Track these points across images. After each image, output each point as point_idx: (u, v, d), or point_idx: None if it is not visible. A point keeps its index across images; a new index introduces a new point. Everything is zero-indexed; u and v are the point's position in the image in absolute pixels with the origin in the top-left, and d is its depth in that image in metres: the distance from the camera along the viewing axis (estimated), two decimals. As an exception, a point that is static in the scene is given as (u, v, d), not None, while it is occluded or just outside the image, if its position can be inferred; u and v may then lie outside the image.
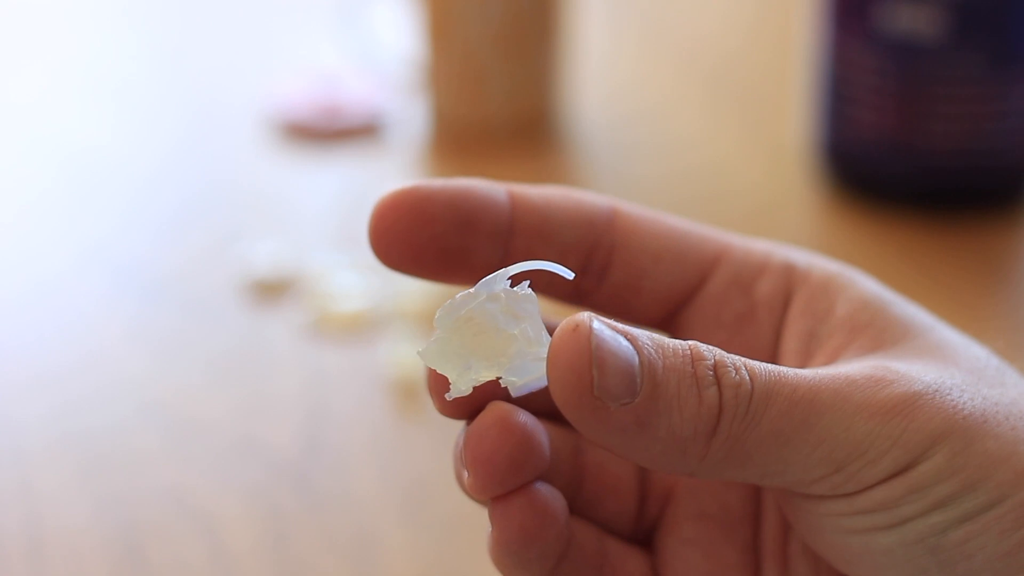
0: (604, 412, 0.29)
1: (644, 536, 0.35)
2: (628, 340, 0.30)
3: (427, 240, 0.34)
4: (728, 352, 0.31)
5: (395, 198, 0.34)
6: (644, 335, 0.30)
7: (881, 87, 0.64)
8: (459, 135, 0.73)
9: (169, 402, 0.54)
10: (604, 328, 0.29)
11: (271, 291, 0.61)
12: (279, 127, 0.74)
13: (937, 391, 0.31)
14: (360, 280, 0.60)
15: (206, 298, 0.60)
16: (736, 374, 0.30)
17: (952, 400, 0.31)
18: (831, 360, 0.34)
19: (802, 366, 0.34)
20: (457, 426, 0.54)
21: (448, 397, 0.31)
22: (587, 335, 0.29)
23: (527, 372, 0.31)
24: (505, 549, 0.32)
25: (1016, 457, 0.31)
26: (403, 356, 0.55)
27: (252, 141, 0.73)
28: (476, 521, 0.48)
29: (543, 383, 0.30)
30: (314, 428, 0.52)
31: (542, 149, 0.72)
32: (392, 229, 0.35)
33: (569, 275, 0.32)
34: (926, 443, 0.31)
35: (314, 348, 0.56)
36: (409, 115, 0.74)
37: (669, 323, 0.36)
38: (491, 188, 0.34)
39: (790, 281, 0.36)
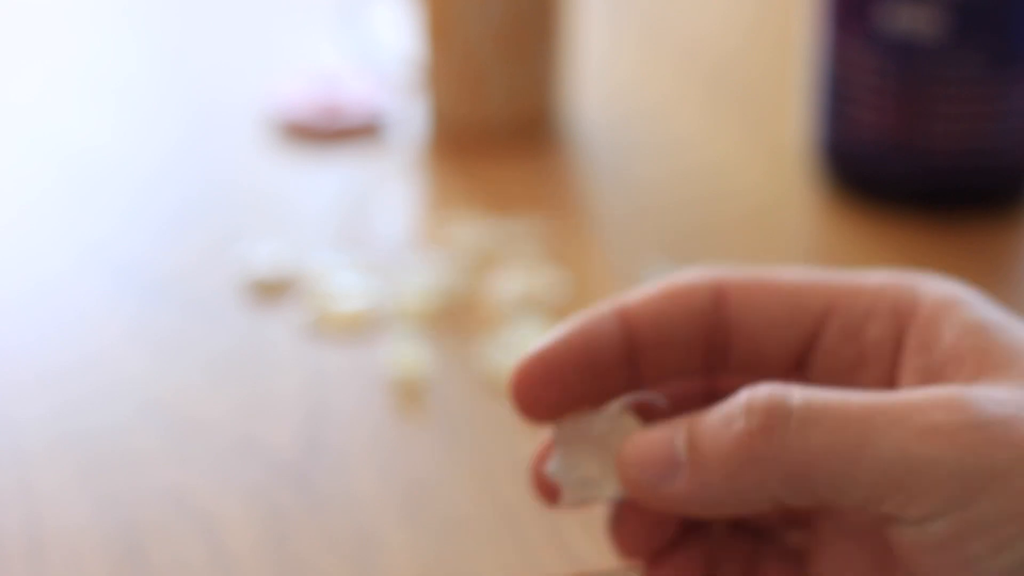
0: (659, 495, 0.34)
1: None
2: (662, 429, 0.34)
3: (564, 396, 0.36)
4: None
5: (526, 370, 0.37)
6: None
7: (881, 87, 0.64)
8: (459, 135, 0.73)
9: (169, 402, 0.54)
10: (639, 433, 0.35)
11: (271, 291, 0.61)
12: (279, 127, 0.74)
13: (1008, 419, 0.30)
14: (360, 280, 0.60)
15: (206, 298, 0.60)
16: (768, 401, 0.31)
17: (1018, 436, 0.30)
18: None
19: None
20: (455, 427, 0.54)
21: (558, 505, 0.37)
22: (626, 460, 0.35)
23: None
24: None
25: None
26: (403, 356, 0.55)
27: (252, 141, 0.73)
28: (476, 521, 0.48)
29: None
30: (314, 428, 0.52)
31: (542, 149, 0.72)
32: (531, 396, 0.37)
33: (662, 402, 0.35)
34: (986, 479, 0.30)
35: (314, 348, 0.56)
36: (409, 115, 0.74)
37: (798, 379, 0.36)
38: (604, 323, 0.37)
39: (899, 319, 0.36)
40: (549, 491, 0.36)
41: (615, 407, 0.36)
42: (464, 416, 0.53)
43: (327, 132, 0.73)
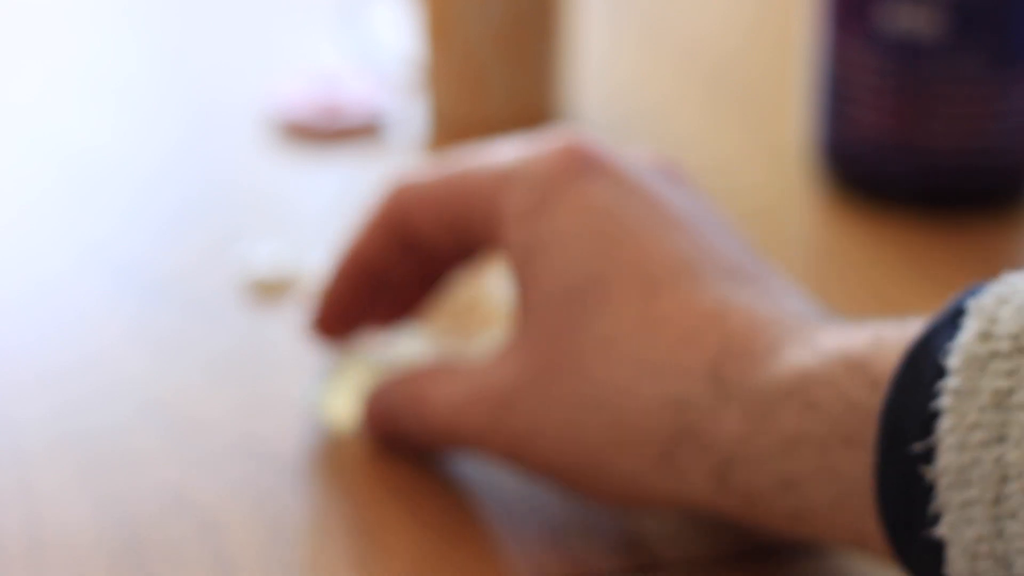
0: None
1: None
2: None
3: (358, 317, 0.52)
4: None
5: (320, 323, 0.52)
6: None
7: (881, 87, 0.64)
8: (459, 135, 0.73)
9: (169, 402, 0.54)
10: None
11: (271, 291, 0.61)
12: (279, 127, 0.74)
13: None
14: (360, 280, 0.60)
15: (206, 298, 0.60)
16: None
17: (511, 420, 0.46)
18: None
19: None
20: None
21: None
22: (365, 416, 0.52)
23: None
24: None
25: None
26: (403, 356, 0.55)
27: (252, 141, 0.73)
28: (476, 521, 0.48)
29: None
30: (315, 428, 0.52)
31: (542, 149, 0.72)
32: (331, 335, 0.52)
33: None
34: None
35: (314, 348, 0.56)
36: (409, 115, 0.74)
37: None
38: (350, 276, 0.51)
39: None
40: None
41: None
42: (464, 416, 0.53)
43: (327, 132, 0.73)
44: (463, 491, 0.49)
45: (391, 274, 0.49)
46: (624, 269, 0.42)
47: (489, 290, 0.61)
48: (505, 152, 0.46)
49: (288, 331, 0.58)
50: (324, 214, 0.67)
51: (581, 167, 0.44)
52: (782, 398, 0.39)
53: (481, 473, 0.50)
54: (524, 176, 0.44)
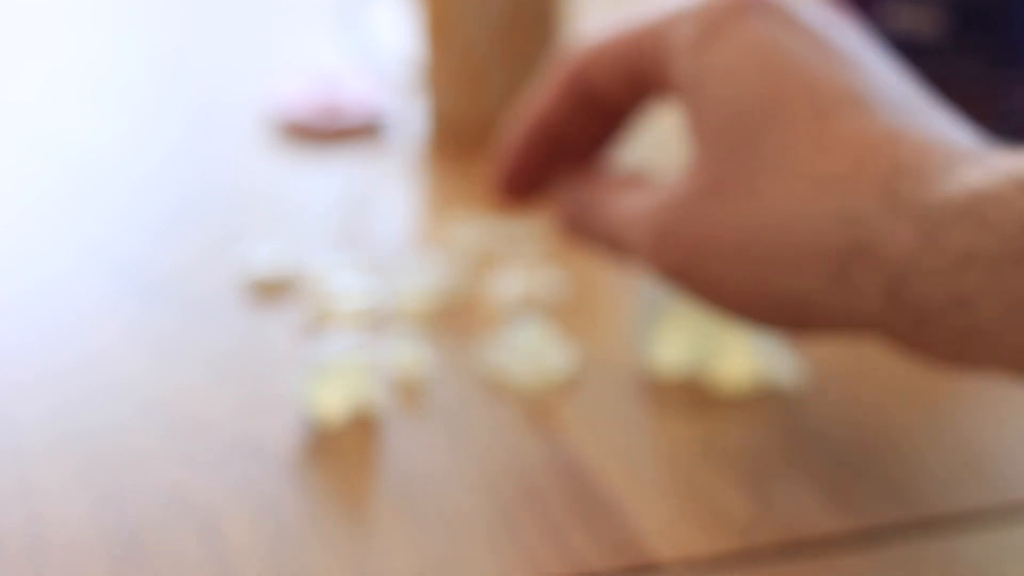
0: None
1: None
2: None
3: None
4: None
5: (505, 182, 0.53)
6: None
7: (881, 87, 0.64)
8: (459, 135, 0.73)
9: (169, 402, 0.54)
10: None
11: (271, 291, 0.61)
12: (279, 127, 0.74)
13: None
14: (360, 280, 0.60)
15: (206, 298, 0.60)
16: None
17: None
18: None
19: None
20: (455, 427, 0.54)
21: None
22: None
23: None
24: None
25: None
26: (403, 356, 0.55)
27: (252, 141, 0.73)
28: (476, 521, 0.48)
29: None
30: (314, 428, 0.52)
31: (542, 149, 0.72)
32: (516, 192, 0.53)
33: None
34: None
35: (314, 348, 0.56)
36: (409, 115, 0.74)
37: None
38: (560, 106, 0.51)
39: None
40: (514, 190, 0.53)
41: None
42: (464, 416, 0.53)
43: (327, 132, 0.73)
44: (463, 491, 0.49)
45: (571, 133, 0.50)
46: (797, 93, 0.43)
47: (489, 290, 0.61)
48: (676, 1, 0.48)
49: (288, 331, 0.58)
50: (324, 214, 0.67)
51: (748, 5, 0.45)
52: (955, 215, 0.40)
53: (481, 473, 0.50)
54: (692, 15, 0.46)
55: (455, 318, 0.59)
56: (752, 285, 0.43)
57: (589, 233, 0.50)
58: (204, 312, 0.59)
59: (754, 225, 0.43)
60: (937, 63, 0.63)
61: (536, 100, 0.50)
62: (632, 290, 0.60)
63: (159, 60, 0.83)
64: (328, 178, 0.70)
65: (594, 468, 0.50)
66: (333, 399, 0.52)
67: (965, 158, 0.41)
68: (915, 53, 0.63)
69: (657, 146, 0.60)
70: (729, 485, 0.49)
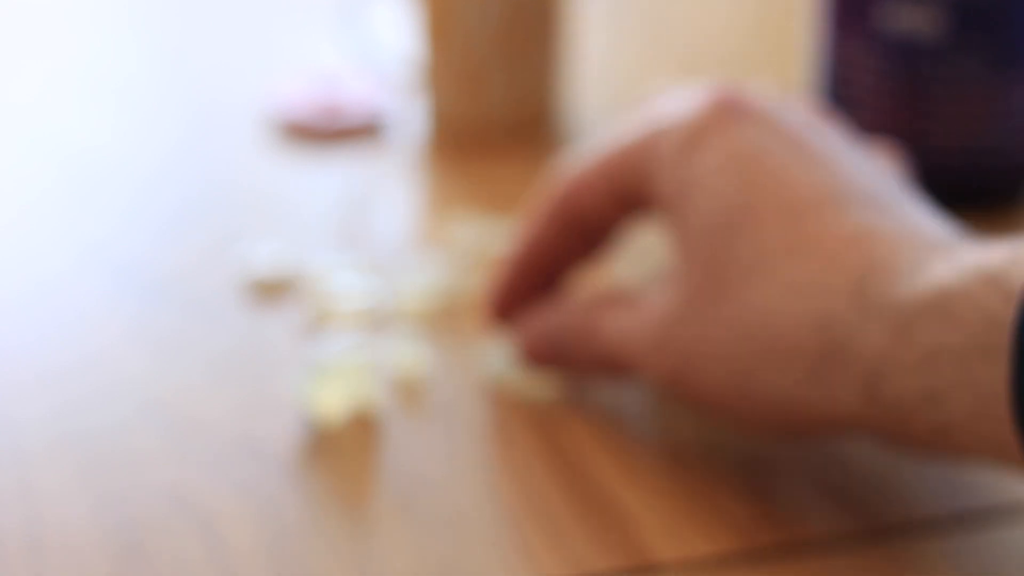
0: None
1: None
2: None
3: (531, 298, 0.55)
4: None
5: (496, 306, 0.55)
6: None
7: (881, 87, 0.64)
8: (459, 135, 0.73)
9: (169, 402, 0.54)
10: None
11: (271, 291, 0.61)
12: (279, 127, 0.74)
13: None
14: (360, 280, 0.60)
15: (206, 298, 0.60)
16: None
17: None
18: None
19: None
20: (455, 427, 0.54)
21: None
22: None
23: None
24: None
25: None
26: (403, 356, 0.55)
27: (252, 141, 0.73)
28: (476, 521, 0.48)
29: None
30: (314, 428, 0.52)
31: (542, 149, 0.72)
32: (504, 317, 0.55)
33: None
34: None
35: (314, 348, 0.56)
36: (409, 115, 0.74)
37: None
38: (553, 232, 0.53)
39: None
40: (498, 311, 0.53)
41: None
42: (464, 416, 0.53)
43: (327, 132, 0.73)
44: (463, 491, 0.49)
45: (560, 257, 0.52)
46: (769, 199, 0.45)
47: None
48: (658, 110, 0.49)
49: (288, 331, 0.58)
50: (324, 214, 0.67)
51: (729, 114, 0.47)
52: (922, 311, 0.41)
53: (481, 473, 0.50)
54: (675, 128, 0.48)
55: (455, 318, 0.59)
56: (739, 387, 0.45)
57: (569, 360, 0.51)
58: (204, 312, 0.59)
59: (736, 329, 0.45)
60: (937, 63, 0.63)
61: (526, 228, 0.52)
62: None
63: (159, 60, 0.83)
64: (328, 178, 0.70)
65: (594, 468, 0.50)
66: (333, 399, 0.52)
67: (934, 252, 0.42)
68: (915, 53, 0.63)
69: (637, 258, 0.60)
70: (729, 485, 0.49)
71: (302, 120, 0.74)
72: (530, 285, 0.53)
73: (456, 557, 0.46)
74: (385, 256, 0.63)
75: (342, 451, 0.51)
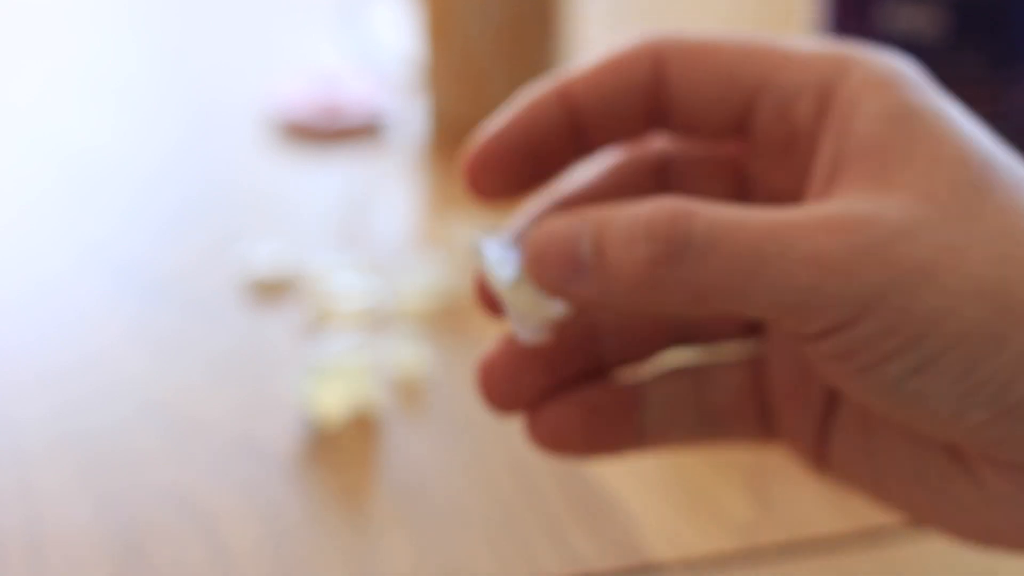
0: (574, 292, 0.34)
1: None
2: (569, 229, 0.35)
3: (512, 177, 0.38)
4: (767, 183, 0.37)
5: (474, 159, 0.38)
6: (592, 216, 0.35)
7: (881, 87, 0.64)
8: (459, 135, 0.73)
9: (169, 402, 0.54)
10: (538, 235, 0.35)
11: (271, 291, 0.61)
12: (279, 127, 0.74)
13: (890, 240, 0.32)
14: (360, 280, 0.60)
15: (206, 298, 0.60)
16: (670, 224, 0.33)
17: (905, 250, 0.32)
18: (833, 192, 0.35)
19: (823, 198, 0.35)
20: (455, 427, 0.54)
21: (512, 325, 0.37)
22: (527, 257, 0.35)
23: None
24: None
25: (958, 312, 0.32)
26: (403, 356, 0.55)
27: (252, 141, 0.73)
28: (476, 520, 0.48)
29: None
30: (314, 428, 0.52)
31: (542, 149, 0.72)
32: (481, 180, 0.38)
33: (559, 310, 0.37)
34: (865, 301, 0.32)
35: (314, 348, 0.56)
36: (409, 115, 0.74)
37: (739, 148, 0.39)
38: (545, 105, 0.38)
39: (824, 98, 0.36)
40: (492, 303, 0.38)
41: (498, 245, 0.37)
42: (464, 416, 0.53)
43: (327, 132, 0.73)
44: (463, 491, 0.49)
45: (552, 143, 0.38)
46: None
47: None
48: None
49: (288, 331, 0.58)
50: (324, 214, 0.67)
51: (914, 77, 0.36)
52: None
53: (481, 473, 0.50)
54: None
55: (455, 318, 0.59)
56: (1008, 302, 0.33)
57: (665, 276, 0.33)
58: (204, 312, 0.59)
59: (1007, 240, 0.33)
60: (937, 63, 0.63)
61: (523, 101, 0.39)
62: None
63: (159, 60, 0.83)
64: (328, 178, 0.70)
65: (594, 468, 0.50)
66: (333, 399, 0.52)
67: None
68: (915, 53, 0.63)
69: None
70: (729, 485, 0.49)
71: (302, 120, 0.74)
72: (513, 162, 0.38)
73: (456, 557, 0.46)
74: (385, 256, 0.63)
75: (342, 451, 0.51)
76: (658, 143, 0.40)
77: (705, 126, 0.38)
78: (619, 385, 0.40)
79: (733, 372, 0.40)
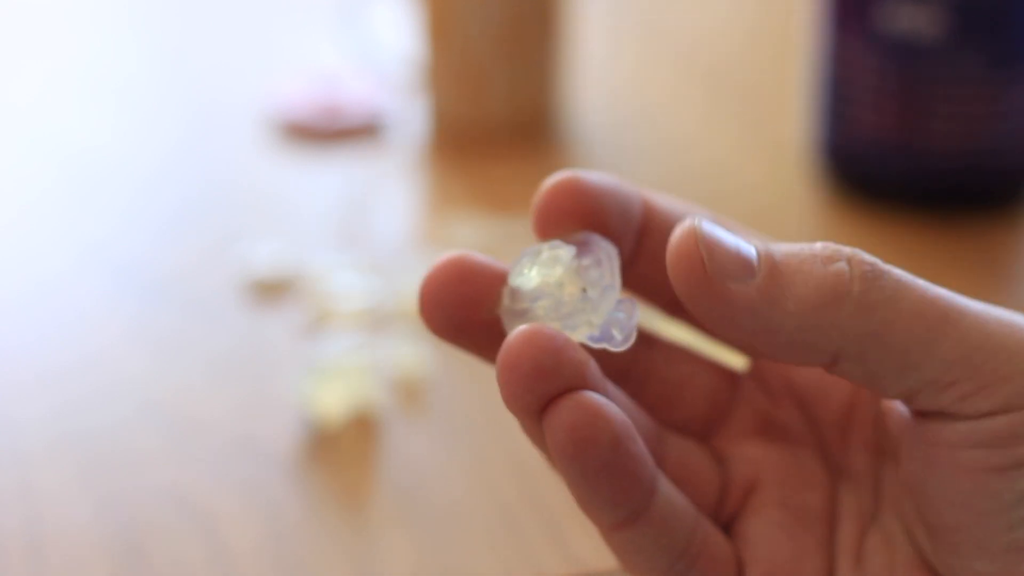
0: (725, 291, 0.30)
1: (722, 527, 0.35)
2: (741, 236, 0.31)
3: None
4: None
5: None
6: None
7: (881, 87, 0.64)
8: (459, 135, 0.73)
9: (169, 402, 0.54)
10: (712, 225, 0.31)
11: (271, 291, 0.61)
12: (279, 127, 0.74)
13: None
14: (360, 280, 0.60)
15: (206, 298, 0.60)
16: (869, 259, 0.31)
17: None
18: None
19: None
20: (455, 427, 0.54)
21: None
22: (692, 226, 0.30)
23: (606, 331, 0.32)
24: (564, 458, 0.30)
25: None
26: (403, 356, 0.55)
27: (252, 141, 0.73)
28: (476, 520, 0.48)
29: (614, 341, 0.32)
30: (314, 428, 0.52)
31: (542, 149, 0.72)
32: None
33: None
34: None
35: (314, 348, 0.56)
36: (409, 115, 0.74)
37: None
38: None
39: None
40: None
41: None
42: (464, 416, 0.53)
43: (327, 132, 0.73)
44: (463, 491, 0.49)
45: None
46: None
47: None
48: None
49: (288, 331, 0.58)
50: (324, 214, 0.67)
51: None
52: None
53: (481, 473, 0.50)
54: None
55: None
56: None
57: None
58: (204, 312, 0.59)
59: None
60: (937, 63, 0.63)
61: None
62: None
63: (159, 60, 0.83)
64: (328, 178, 0.70)
65: (594, 468, 0.50)
66: (333, 399, 0.52)
67: None
68: (915, 53, 0.63)
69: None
70: (729, 485, 0.49)
71: (302, 120, 0.74)
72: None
73: (456, 557, 0.46)
74: (385, 256, 0.63)
75: (342, 451, 0.51)
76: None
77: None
78: None
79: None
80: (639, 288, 0.36)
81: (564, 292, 0.33)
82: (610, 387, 0.33)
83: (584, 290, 0.33)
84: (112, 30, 0.87)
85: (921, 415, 0.32)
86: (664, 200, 0.36)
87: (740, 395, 0.36)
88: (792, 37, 0.82)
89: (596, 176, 0.36)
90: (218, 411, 0.53)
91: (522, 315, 0.33)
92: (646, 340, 0.36)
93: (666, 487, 0.32)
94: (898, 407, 0.33)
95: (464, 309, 0.34)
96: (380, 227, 0.66)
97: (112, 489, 0.49)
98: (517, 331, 0.30)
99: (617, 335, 0.32)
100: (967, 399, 0.30)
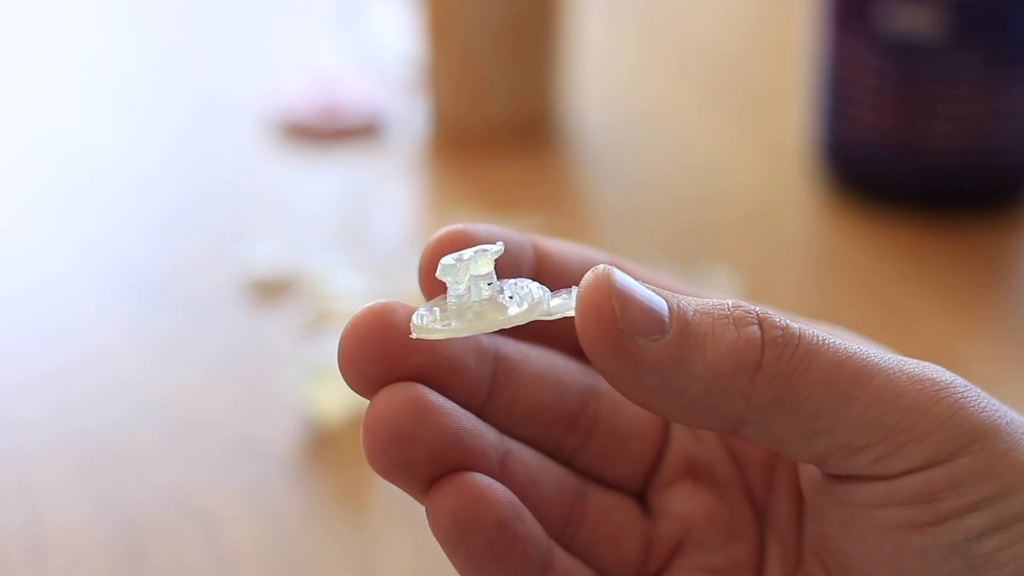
0: (633, 348, 0.29)
1: None
2: (653, 289, 0.29)
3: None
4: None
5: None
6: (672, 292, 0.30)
7: (881, 87, 0.64)
8: (459, 135, 0.73)
9: (169, 402, 0.54)
10: (625, 275, 0.29)
11: (271, 291, 0.61)
12: (279, 127, 0.74)
13: (984, 396, 0.30)
14: (360, 280, 0.60)
15: (206, 298, 0.60)
16: (781, 322, 0.30)
17: (997, 407, 0.30)
18: None
19: None
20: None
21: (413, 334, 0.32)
22: (606, 275, 0.29)
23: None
24: (447, 543, 0.31)
25: None
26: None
27: (252, 141, 0.73)
28: (476, 521, 0.48)
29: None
30: (314, 428, 0.52)
31: (542, 149, 0.72)
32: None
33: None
34: (972, 435, 0.29)
35: (314, 348, 0.56)
36: (409, 115, 0.74)
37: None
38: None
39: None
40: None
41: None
42: (464, 416, 0.53)
43: (327, 132, 0.73)
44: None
45: None
46: None
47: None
48: None
49: (288, 331, 0.58)
50: (324, 214, 0.67)
51: None
52: None
53: (481, 473, 0.50)
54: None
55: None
56: None
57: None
58: (204, 312, 0.59)
59: None
60: (937, 63, 0.63)
61: None
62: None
63: (159, 60, 0.83)
64: (328, 178, 0.70)
65: (594, 468, 0.50)
66: (333, 399, 0.52)
67: None
68: (915, 53, 0.63)
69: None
70: (729, 485, 0.49)
71: (302, 120, 0.74)
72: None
73: (456, 557, 0.46)
74: (385, 256, 0.63)
75: (342, 451, 0.51)
76: None
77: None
78: None
79: None
80: (531, 335, 0.34)
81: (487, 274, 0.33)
82: (511, 443, 0.32)
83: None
84: (112, 30, 0.87)
85: (834, 477, 0.31)
86: (557, 246, 0.35)
87: (670, 434, 0.35)
88: (792, 37, 0.82)
89: (483, 227, 0.35)
90: (218, 411, 0.53)
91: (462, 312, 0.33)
92: (591, 389, 0.34)
93: (563, 561, 0.31)
94: (808, 467, 0.32)
95: (384, 367, 0.33)
96: (380, 227, 0.66)
97: (112, 489, 0.49)
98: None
99: (565, 295, 0.31)
100: (881, 461, 0.30)
